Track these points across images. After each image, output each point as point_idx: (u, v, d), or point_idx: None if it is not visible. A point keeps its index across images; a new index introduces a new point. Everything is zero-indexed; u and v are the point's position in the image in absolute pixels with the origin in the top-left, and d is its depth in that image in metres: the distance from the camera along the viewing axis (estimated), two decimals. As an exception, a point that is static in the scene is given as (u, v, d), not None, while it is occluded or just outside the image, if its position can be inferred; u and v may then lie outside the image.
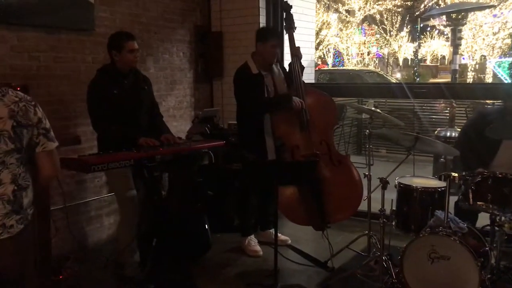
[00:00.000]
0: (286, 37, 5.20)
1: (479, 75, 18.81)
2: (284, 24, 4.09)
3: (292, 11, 5.19)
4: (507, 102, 3.57)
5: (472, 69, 18.92)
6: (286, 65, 4.17)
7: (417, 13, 19.81)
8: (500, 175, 2.98)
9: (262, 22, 4.91)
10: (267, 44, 3.77)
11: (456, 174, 2.95)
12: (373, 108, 3.58)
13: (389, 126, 5.69)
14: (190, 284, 3.40)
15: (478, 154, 3.51)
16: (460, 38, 6.09)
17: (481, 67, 19.19)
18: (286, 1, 4.19)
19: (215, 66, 5.23)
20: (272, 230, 3.67)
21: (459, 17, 5.90)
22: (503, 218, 3.17)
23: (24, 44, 3.58)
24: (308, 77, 5.66)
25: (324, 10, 21.80)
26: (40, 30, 3.66)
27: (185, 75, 5.10)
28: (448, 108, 6.45)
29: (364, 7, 22.56)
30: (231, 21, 5.11)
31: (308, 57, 5.64)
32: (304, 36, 5.48)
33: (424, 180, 3.55)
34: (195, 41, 5.16)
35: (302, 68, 3.97)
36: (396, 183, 3.43)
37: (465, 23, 6.95)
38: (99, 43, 4.05)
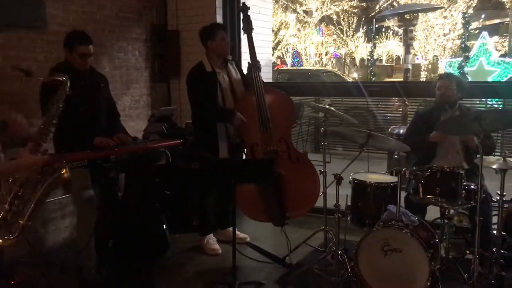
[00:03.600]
0: (244, 37, 5.29)
1: (431, 75, 19.41)
2: (242, 26, 4.11)
3: (249, 11, 5.23)
4: (434, 95, 3.81)
5: (425, 68, 19.55)
6: (243, 65, 4.19)
7: (372, 14, 20.28)
8: (448, 169, 3.11)
9: (219, 21, 4.91)
10: (216, 38, 3.79)
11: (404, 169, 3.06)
12: (327, 106, 3.64)
13: (346, 124, 5.81)
14: (149, 285, 3.37)
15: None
16: (412, 38, 6.31)
17: (434, 67, 19.85)
18: (244, 3, 4.20)
19: (172, 65, 5.20)
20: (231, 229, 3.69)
21: (411, 18, 6.09)
22: (452, 211, 3.33)
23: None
24: (266, 76, 5.70)
25: (282, 10, 21.97)
26: (-13, 27, 3.54)
27: (141, 74, 5.05)
28: (401, 106, 6.65)
29: (321, 7, 22.88)
30: (188, 20, 5.09)
31: (265, 57, 5.68)
32: (261, 35, 5.52)
33: (378, 175, 3.65)
34: (151, 40, 5.11)
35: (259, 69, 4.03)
36: (351, 179, 3.52)
37: (416, 24, 7.19)
38: (52, 42, 3.96)
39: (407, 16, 6.24)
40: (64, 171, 2.40)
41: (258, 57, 5.47)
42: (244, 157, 4.06)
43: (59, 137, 3.31)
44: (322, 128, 3.69)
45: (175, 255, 3.90)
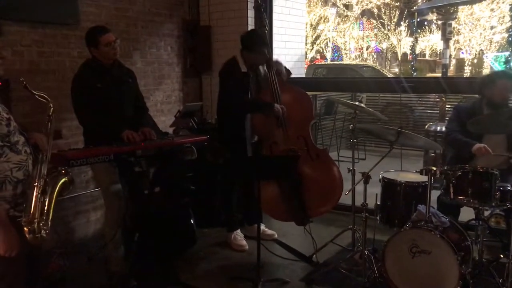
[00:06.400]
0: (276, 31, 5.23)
1: (476, 69, 18.76)
2: (255, 23, 4.06)
3: (281, 4, 5.18)
4: (485, 90, 3.59)
5: (469, 63, 18.88)
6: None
7: (414, 8, 19.77)
8: (481, 170, 2.98)
9: (251, 16, 4.88)
10: (254, 52, 3.72)
11: (435, 168, 2.94)
12: (357, 103, 3.55)
13: (382, 121, 5.68)
14: (174, 278, 3.39)
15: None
16: (451, 32, 6.06)
17: (479, 62, 19.14)
18: (257, 1, 4.12)
19: (204, 60, 5.21)
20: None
21: (451, 10, 5.87)
22: (487, 212, 3.18)
23: (7, 39, 3.56)
24: (298, 71, 5.65)
25: (321, 4, 21.74)
26: (23, 24, 3.65)
27: (173, 69, 5.08)
28: (439, 103, 6.42)
29: (361, 1, 22.49)
30: (220, 15, 5.09)
31: (298, 52, 5.63)
32: (294, 30, 5.46)
33: (409, 174, 3.54)
34: (183, 35, 5.13)
35: (289, 73, 3.97)
36: (381, 177, 3.43)
37: (455, 17, 6.92)
38: (85, 38, 4.04)
39: (443, 9, 6.00)
40: (66, 178, 2.52)
41: (291, 51, 5.47)
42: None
43: (87, 131, 3.40)
44: (351, 125, 3.60)
45: (201, 249, 3.93)
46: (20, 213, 2.32)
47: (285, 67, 4.00)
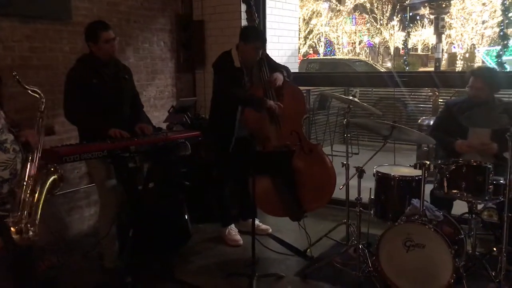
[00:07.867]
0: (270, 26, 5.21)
1: (469, 64, 18.84)
2: (246, 17, 4.04)
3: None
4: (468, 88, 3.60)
5: (461, 57, 18.96)
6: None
7: (406, 2, 19.80)
8: (474, 163, 2.99)
9: (243, 10, 4.85)
10: (248, 45, 3.67)
11: (428, 162, 2.95)
12: (351, 97, 3.55)
13: (375, 116, 5.68)
14: (169, 274, 3.39)
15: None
16: (444, 27, 6.08)
17: (471, 56, 19.23)
18: None
19: (197, 55, 5.19)
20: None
21: (443, 5, 5.87)
22: (480, 206, 3.21)
23: (-2, 34, 3.53)
24: (292, 66, 5.64)
25: (314, -1, 21.73)
26: (14, 19, 3.60)
27: (166, 64, 5.06)
28: (432, 97, 6.45)
29: (354, -5, 22.51)
30: (213, 9, 5.06)
31: (292, 46, 5.62)
32: (287, 25, 5.45)
33: (403, 168, 3.55)
34: (176, 30, 5.11)
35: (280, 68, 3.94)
36: (375, 172, 3.44)
37: (448, 12, 6.94)
38: (77, 33, 3.99)
39: (441, 3, 6.02)
40: (56, 175, 2.50)
41: (284, 46, 5.46)
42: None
43: (80, 128, 3.38)
44: (345, 120, 3.60)
45: (196, 245, 3.92)
46: (5, 213, 2.28)
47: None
